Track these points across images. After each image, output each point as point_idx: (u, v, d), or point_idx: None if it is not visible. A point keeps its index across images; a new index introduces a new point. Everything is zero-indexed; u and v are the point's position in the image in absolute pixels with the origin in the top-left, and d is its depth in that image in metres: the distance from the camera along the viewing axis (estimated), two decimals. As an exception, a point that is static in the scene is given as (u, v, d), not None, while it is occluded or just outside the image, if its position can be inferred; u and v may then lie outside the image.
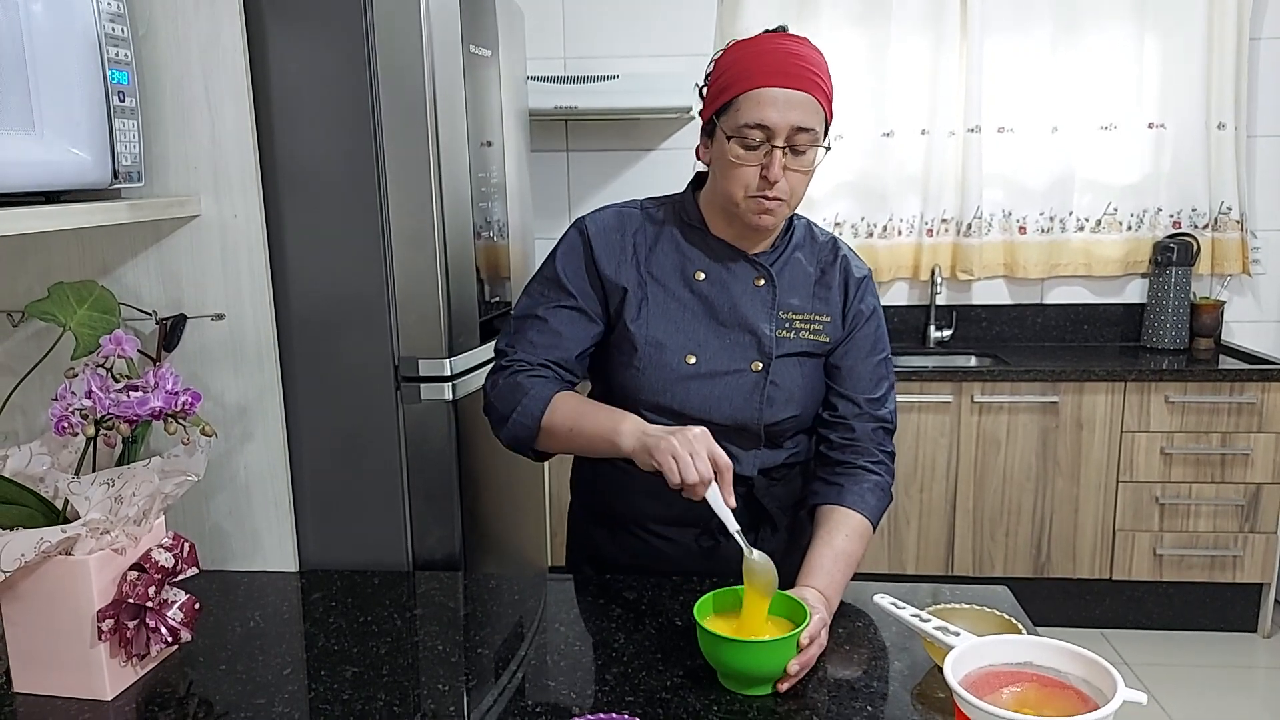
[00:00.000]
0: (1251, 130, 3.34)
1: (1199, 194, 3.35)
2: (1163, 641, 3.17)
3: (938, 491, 3.15)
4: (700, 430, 1.20)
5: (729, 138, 1.29)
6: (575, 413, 1.32)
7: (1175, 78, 3.29)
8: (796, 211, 1.44)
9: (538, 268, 1.45)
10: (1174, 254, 3.30)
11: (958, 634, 1.11)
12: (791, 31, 1.34)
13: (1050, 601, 3.24)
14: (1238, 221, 3.33)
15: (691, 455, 1.17)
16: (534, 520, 2.24)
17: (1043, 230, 3.44)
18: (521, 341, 1.40)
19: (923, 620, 1.16)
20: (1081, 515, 3.12)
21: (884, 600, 1.23)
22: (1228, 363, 3.15)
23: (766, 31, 1.33)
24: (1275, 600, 3.20)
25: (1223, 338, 3.44)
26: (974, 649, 1.05)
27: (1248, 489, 3.05)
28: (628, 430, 1.26)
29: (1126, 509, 3.11)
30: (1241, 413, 3.01)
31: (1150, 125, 3.34)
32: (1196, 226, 3.38)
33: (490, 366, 1.44)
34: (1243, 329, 3.48)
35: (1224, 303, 3.40)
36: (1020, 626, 1.21)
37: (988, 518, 3.16)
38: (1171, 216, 3.40)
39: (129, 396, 1.18)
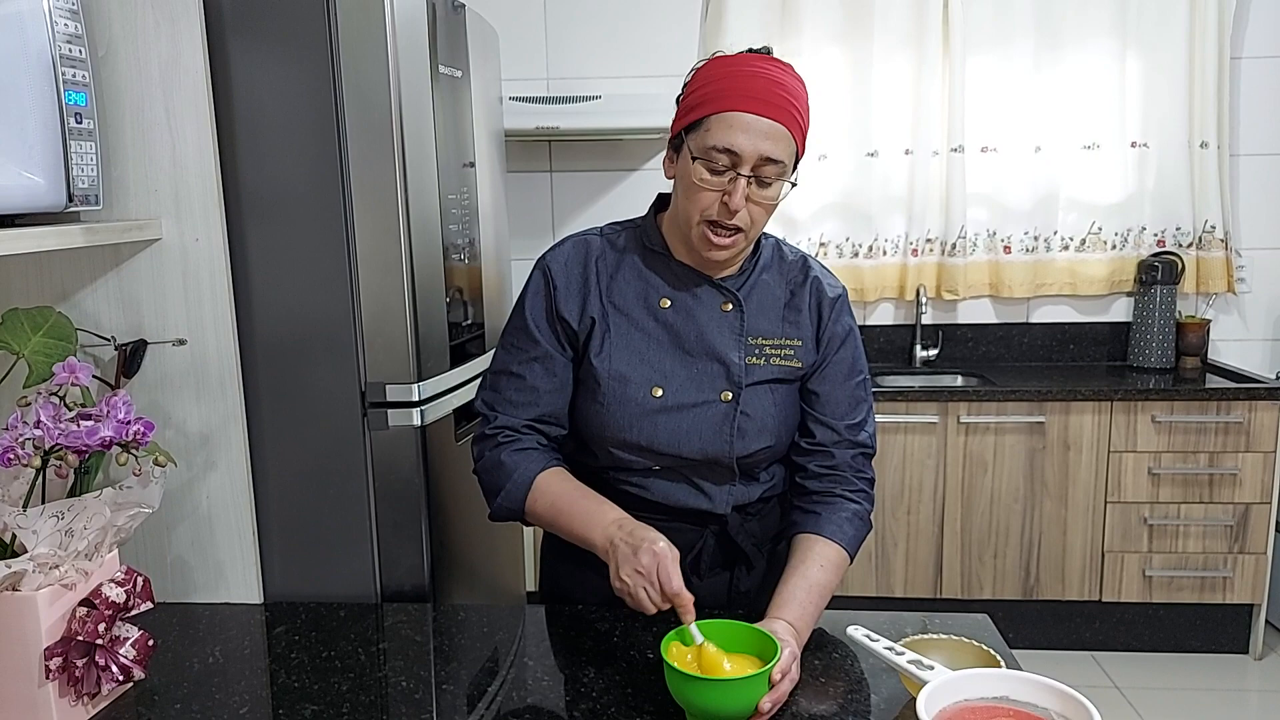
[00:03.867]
0: (1234, 149, 3.34)
1: (1183, 213, 3.35)
2: (1153, 664, 3.13)
3: (924, 513, 3.12)
4: (649, 558, 1.18)
5: (695, 158, 1.25)
6: (553, 508, 1.33)
7: (1157, 97, 3.29)
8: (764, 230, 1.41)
9: (511, 311, 1.42)
10: (1159, 273, 3.29)
11: (932, 668, 1.08)
12: (775, 55, 1.30)
13: (1039, 624, 3.21)
14: (1222, 240, 3.33)
15: (644, 590, 1.18)
16: (509, 547, 2.20)
17: (1027, 250, 3.43)
18: (502, 402, 1.38)
19: (896, 653, 1.12)
20: (1070, 536, 3.10)
21: (857, 632, 1.19)
22: (1214, 382, 3.13)
23: (750, 51, 1.29)
24: (1266, 621, 3.17)
25: (1209, 357, 3.43)
26: (948, 684, 1.02)
27: (1236, 509, 3.03)
28: (598, 541, 1.26)
29: (1115, 530, 3.08)
30: (1229, 432, 2.99)
31: (1133, 144, 3.34)
32: (1181, 245, 3.37)
33: (475, 429, 1.43)
34: (1229, 348, 3.47)
35: (1210, 321, 3.39)
36: (999, 659, 1.18)
37: (975, 540, 3.12)
38: (1156, 235, 3.39)
39: (79, 426, 1.14)
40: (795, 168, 1.29)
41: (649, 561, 1.17)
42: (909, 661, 1.09)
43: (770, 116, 1.23)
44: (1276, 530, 3.06)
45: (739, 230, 1.27)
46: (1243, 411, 2.97)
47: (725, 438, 1.34)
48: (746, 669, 1.11)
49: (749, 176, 1.24)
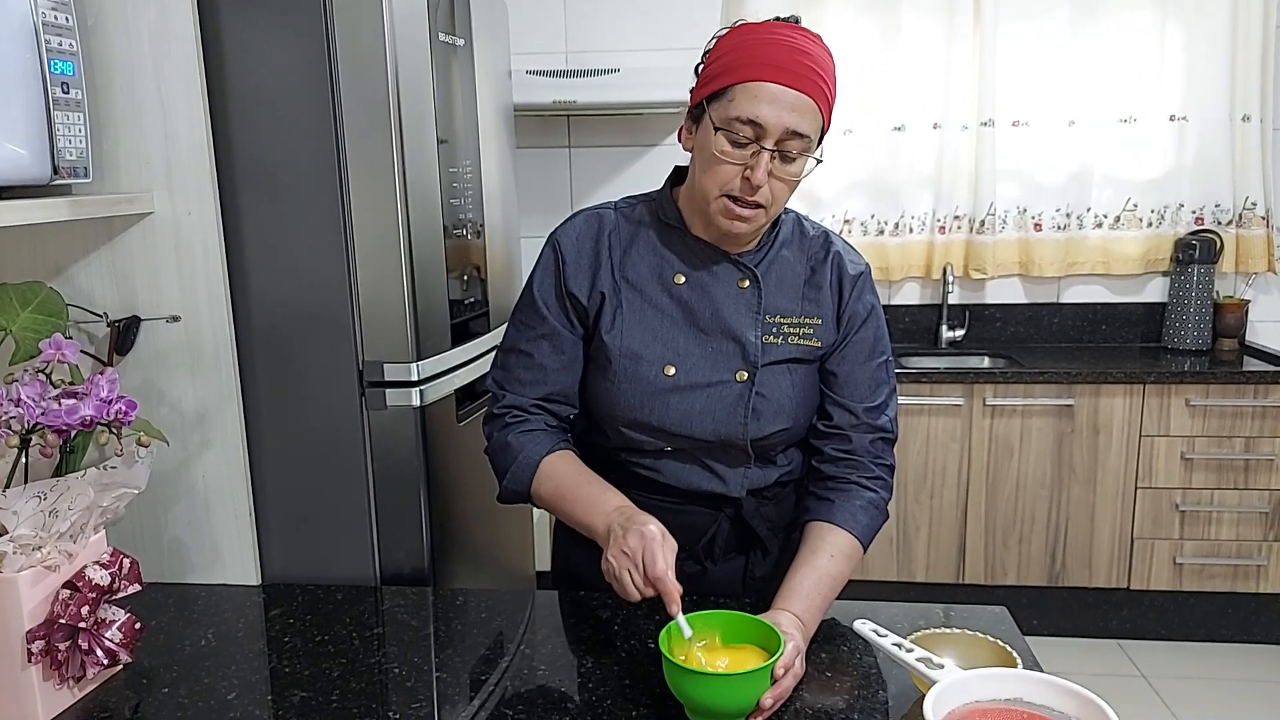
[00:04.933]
0: (1278, 123, 3.21)
1: (1223, 189, 3.23)
2: (1183, 654, 3.05)
3: (948, 497, 3.05)
4: (636, 539, 1.13)
5: (716, 129, 1.20)
6: (557, 493, 1.30)
7: (1198, 68, 3.17)
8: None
9: (523, 286, 1.38)
10: (1196, 251, 3.18)
11: (942, 665, 1.02)
12: (803, 24, 1.23)
13: (1066, 611, 3.13)
14: (1263, 217, 3.20)
15: (629, 573, 1.13)
16: (516, 526, 2.16)
17: (1059, 227, 3.33)
18: (511, 381, 1.36)
19: (905, 650, 1.07)
20: (1098, 522, 3.01)
21: (864, 627, 1.14)
22: (1252, 364, 3.03)
23: (778, 19, 1.23)
24: (1302, 612, 3.08)
25: (1247, 338, 3.32)
26: (957, 684, 0.97)
27: (1272, 495, 2.93)
28: (599, 528, 1.22)
29: (1145, 516, 2.99)
30: (1266, 416, 2.89)
31: (1172, 118, 3.22)
32: (1220, 223, 3.25)
33: (486, 407, 1.39)
34: (1268, 329, 3.35)
35: (1248, 302, 3.28)
36: (1015, 656, 1.12)
37: (1000, 525, 3.05)
38: (1194, 212, 3.27)
39: (60, 405, 1.11)
40: (820, 143, 1.23)
41: (635, 543, 1.13)
42: (918, 659, 1.04)
43: (797, 88, 1.17)
44: (1315, 518, 2.97)
45: (759, 206, 1.21)
46: (1281, 395, 2.87)
47: (739, 419, 1.29)
48: (747, 663, 1.07)
49: (773, 150, 1.18)
